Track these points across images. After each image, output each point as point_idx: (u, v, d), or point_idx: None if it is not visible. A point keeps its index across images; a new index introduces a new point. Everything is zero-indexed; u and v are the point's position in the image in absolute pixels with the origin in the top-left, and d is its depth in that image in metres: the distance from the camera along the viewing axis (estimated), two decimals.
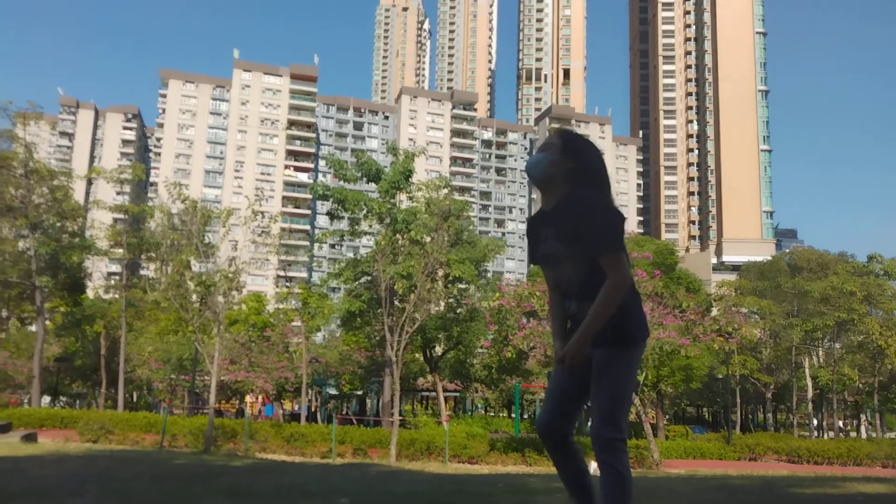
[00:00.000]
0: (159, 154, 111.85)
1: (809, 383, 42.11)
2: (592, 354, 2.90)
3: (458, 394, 46.72)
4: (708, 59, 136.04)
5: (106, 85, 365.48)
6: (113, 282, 40.95)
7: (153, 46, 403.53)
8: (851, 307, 37.28)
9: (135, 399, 44.96)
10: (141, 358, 35.10)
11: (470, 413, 46.25)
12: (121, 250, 30.71)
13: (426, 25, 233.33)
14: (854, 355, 41.93)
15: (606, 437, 2.89)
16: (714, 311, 35.74)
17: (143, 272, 43.28)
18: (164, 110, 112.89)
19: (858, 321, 37.46)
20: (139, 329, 38.45)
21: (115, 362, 33.62)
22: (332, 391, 41.84)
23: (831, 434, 46.90)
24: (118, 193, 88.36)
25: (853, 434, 50.27)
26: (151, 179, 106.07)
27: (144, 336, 37.19)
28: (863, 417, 50.74)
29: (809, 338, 41.06)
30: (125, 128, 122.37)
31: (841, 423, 53.23)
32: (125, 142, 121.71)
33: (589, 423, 3.31)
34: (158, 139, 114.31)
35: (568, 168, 2.98)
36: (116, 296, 36.29)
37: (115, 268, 44.24)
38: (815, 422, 47.10)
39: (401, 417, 23.67)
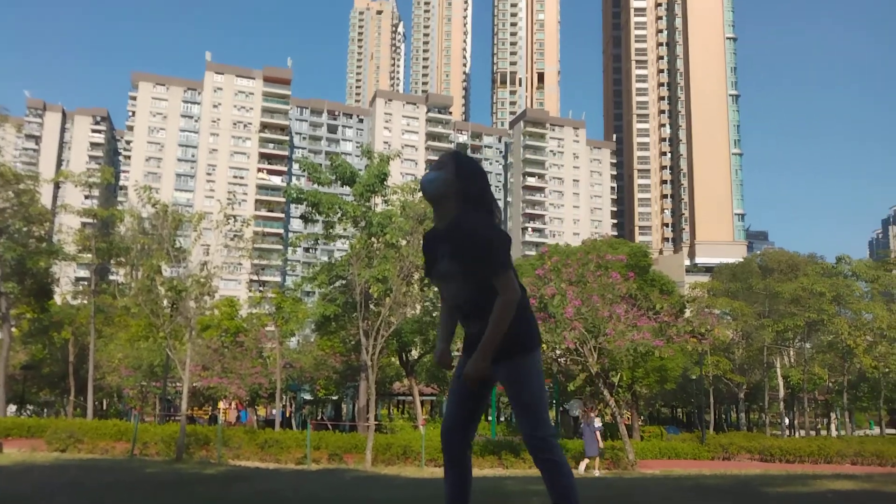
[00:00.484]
0: (129, 157, 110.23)
1: (781, 383, 42.69)
2: (496, 370, 3.09)
3: (434, 397, 46.55)
4: (680, 64, 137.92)
5: (75, 88, 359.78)
6: (81, 287, 40.19)
7: (124, 49, 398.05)
8: (821, 308, 37.87)
9: (105, 407, 44.07)
10: (111, 365, 34.44)
11: None
12: (89, 255, 30.03)
13: (400, 28, 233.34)
14: (824, 355, 42.60)
15: (540, 437, 3.08)
16: (687, 313, 36.12)
17: (112, 277, 42.53)
18: (134, 113, 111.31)
19: (828, 321, 38.06)
20: (109, 335, 37.72)
21: (83, 369, 32.91)
22: (307, 396, 41.45)
23: (802, 433, 47.63)
24: (87, 197, 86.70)
25: (823, 432, 51.13)
26: (121, 183, 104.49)
27: (114, 342, 36.50)
28: (833, 416, 51.62)
29: (781, 338, 41.63)
30: (94, 130, 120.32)
31: (826, 422, 54.08)
32: (94, 145, 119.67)
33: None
34: (128, 142, 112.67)
35: (458, 188, 3.14)
36: (85, 301, 35.61)
37: (84, 273, 43.43)
38: (787, 421, 47.78)
39: (377, 422, 23.50)
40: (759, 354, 42.76)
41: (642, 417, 43.42)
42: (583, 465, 18.57)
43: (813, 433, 49.07)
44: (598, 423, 19.32)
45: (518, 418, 3.14)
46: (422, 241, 3.43)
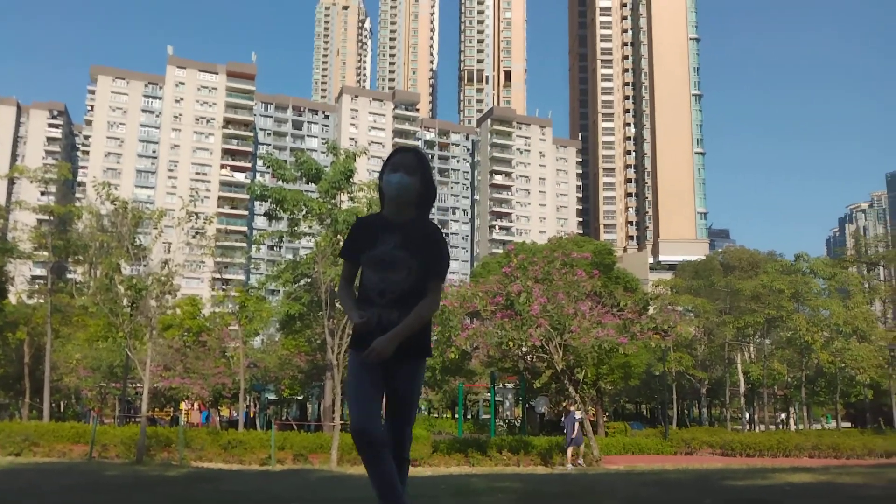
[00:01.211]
0: (87, 153, 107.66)
1: (742, 378, 43.54)
2: (402, 363, 3.25)
3: None
4: (644, 64, 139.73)
5: (30, 82, 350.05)
6: (38, 286, 39.07)
7: (83, 42, 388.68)
8: (780, 304, 38.68)
9: (62, 409, 42.94)
10: (68, 366, 33.58)
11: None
12: (46, 253, 29.20)
13: (367, 24, 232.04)
14: (783, 351, 43.57)
15: (410, 436, 3.38)
16: (651, 310, 36.51)
17: (70, 276, 41.47)
18: (92, 107, 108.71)
19: (787, 318, 38.90)
20: (66, 335, 36.76)
21: (40, 370, 31.99)
22: (272, 396, 41.01)
23: (762, 427, 48.66)
24: (43, 193, 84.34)
25: (782, 427, 52.30)
26: (79, 179, 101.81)
27: (72, 343, 35.60)
28: (791, 410, 52.84)
29: (741, 334, 42.44)
30: (51, 125, 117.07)
31: (784, 416, 55.25)
32: (51, 139, 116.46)
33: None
34: (87, 137, 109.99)
35: (426, 197, 3.41)
36: (41, 301, 34.63)
37: (40, 272, 42.25)
38: (748, 415, 48.76)
39: (342, 422, 23.31)
40: (720, 350, 43.55)
41: (607, 414, 43.90)
42: (569, 453, 19.33)
43: (773, 427, 50.17)
44: (578, 415, 20.05)
45: (398, 415, 3.34)
46: (355, 223, 3.51)
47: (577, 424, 19.51)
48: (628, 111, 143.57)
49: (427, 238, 3.30)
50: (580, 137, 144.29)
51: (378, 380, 3.26)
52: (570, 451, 19.45)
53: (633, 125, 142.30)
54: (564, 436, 19.96)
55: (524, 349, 20.32)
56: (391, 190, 3.32)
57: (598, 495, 5.44)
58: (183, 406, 36.24)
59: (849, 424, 51.99)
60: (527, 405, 33.81)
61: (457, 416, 37.11)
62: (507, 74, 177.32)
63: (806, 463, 20.80)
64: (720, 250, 60.23)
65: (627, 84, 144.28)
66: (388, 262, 3.27)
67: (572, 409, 20.45)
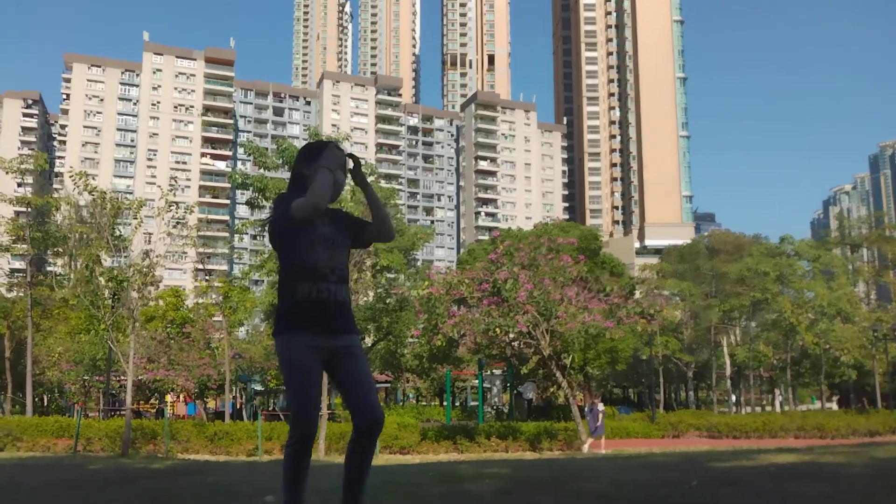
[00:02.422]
0: (64, 142, 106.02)
1: (728, 361, 43.91)
2: (349, 340, 3.44)
3: (388, 384, 46.36)
4: (629, 47, 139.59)
5: (3, 70, 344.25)
6: (17, 279, 38.42)
7: (55, 28, 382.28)
8: (765, 287, 38.97)
9: (45, 403, 42.47)
10: (50, 359, 33.11)
11: (401, 403, 46.00)
12: (24, 246, 28.66)
13: (347, 8, 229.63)
14: (768, 333, 43.96)
15: (381, 414, 3.42)
16: (637, 294, 36.71)
17: (49, 268, 40.83)
18: (68, 96, 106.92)
19: (772, 300, 39.22)
20: (47, 329, 36.23)
21: (21, 364, 31.53)
22: (258, 387, 40.78)
23: (749, 409, 49.12)
24: (20, 185, 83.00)
25: (768, 408, 52.88)
26: (56, 169, 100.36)
27: (53, 336, 35.09)
28: (777, 392, 53.42)
29: (727, 317, 42.75)
30: (25, 115, 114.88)
31: (771, 398, 55.79)
32: (26, 129, 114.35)
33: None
34: (63, 126, 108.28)
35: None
36: (21, 294, 34.06)
37: (19, 264, 41.57)
38: (734, 398, 49.24)
39: (330, 411, 23.18)
40: (706, 334, 43.85)
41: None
42: (586, 445, 19.58)
43: (758, 409, 50.68)
44: (601, 406, 21.09)
45: (368, 392, 3.42)
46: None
47: (601, 416, 20.48)
48: (613, 95, 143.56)
49: (347, 218, 3.67)
50: (565, 122, 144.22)
51: (319, 370, 3.45)
52: (590, 441, 19.99)
53: (617, 109, 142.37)
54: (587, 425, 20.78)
55: (511, 335, 20.23)
56: (339, 188, 3.54)
57: (584, 480, 5.41)
58: (168, 398, 35.93)
59: (834, 405, 52.68)
60: (514, 391, 33.85)
61: (445, 403, 37.08)
62: (491, 58, 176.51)
63: (791, 444, 20.96)
64: (706, 234, 60.52)
65: (612, 67, 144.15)
66: (336, 243, 3.50)
67: (596, 401, 21.64)
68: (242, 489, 5.69)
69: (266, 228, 3.63)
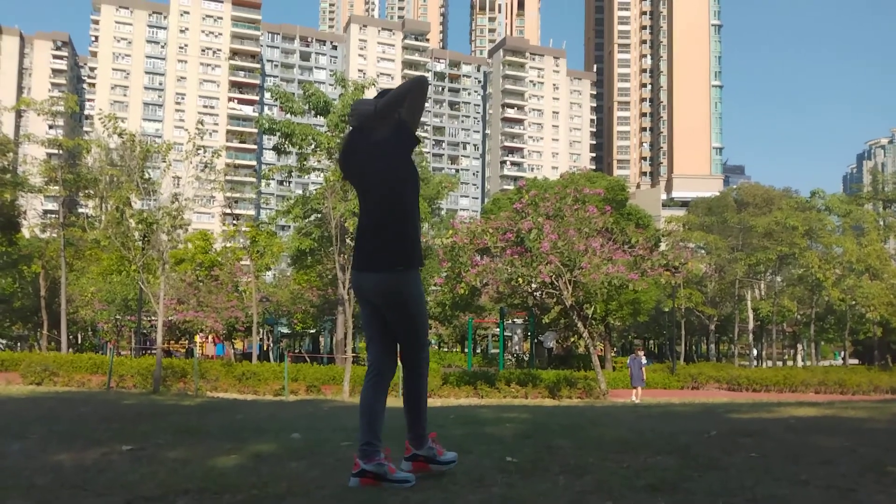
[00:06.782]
0: (94, 85, 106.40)
1: (751, 315, 43.67)
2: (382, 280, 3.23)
3: None
4: None
5: (32, 10, 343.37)
6: (50, 220, 39.18)
7: None
8: (793, 241, 38.40)
9: (79, 340, 43.84)
10: (83, 299, 34.05)
11: None
12: (56, 187, 29.14)
13: None
14: (794, 288, 43.52)
15: (426, 357, 3.44)
16: (662, 246, 36.42)
17: (81, 210, 41.56)
18: (96, 38, 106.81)
19: (799, 255, 38.70)
20: (80, 269, 37.17)
21: (55, 303, 32.46)
22: (285, 330, 41.57)
23: (770, 363, 49.08)
24: (51, 127, 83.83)
25: (790, 363, 52.78)
26: (87, 112, 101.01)
27: (86, 276, 36.01)
28: (799, 347, 53.21)
29: (752, 271, 42.33)
30: (55, 57, 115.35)
31: (793, 353, 55.63)
32: (56, 71, 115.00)
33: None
34: (92, 69, 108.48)
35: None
36: (54, 235, 34.79)
37: (52, 206, 42.33)
38: (755, 352, 49.14)
39: (354, 354, 23.64)
40: (730, 287, 43.55)
41: (615, 349, 44.36)
42: (633, 394, 20.28)
43: (780, 364, 50.61)
44: (644, 359, 21.74)
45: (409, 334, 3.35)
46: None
47: (642, 367, 21.11)
48: (645, 42, 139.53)
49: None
50: (595, 69, 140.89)
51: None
52: (635, 391, 20.56)
53: (649, 57, 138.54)
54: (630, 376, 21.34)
55: (534, 285, 20.31)
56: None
57: (602, 426, 5.50)
58: (198, 339, 36.87)
59: (856, 361, 52.37)
60: (535, 340, 34.16)
61: (466, 350, 37.55)
62: (521, 2, 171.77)
63: (812, 398, 21.00)
64: (734, 186, 59.40)
65: (645, 13, 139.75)
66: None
67: (640, 353, 22.34)
68: (270, 426, 5.81)
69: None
